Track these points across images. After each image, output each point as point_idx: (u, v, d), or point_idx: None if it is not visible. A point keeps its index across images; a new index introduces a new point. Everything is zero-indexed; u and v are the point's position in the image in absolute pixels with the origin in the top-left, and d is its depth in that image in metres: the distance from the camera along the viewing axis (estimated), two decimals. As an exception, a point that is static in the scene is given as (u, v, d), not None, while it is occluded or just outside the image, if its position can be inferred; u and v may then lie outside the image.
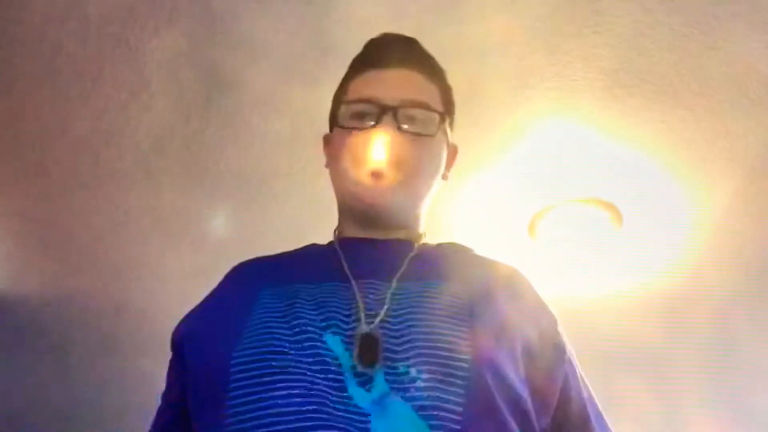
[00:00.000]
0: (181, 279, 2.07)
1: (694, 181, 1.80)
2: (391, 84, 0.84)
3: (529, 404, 0.69)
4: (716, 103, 1.62)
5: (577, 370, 0.79)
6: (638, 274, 2.10)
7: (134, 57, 1.53)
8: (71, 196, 1.85)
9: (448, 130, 0.89)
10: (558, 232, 1.93)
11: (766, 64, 1.53)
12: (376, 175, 0.79)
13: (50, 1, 1.42)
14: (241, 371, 0.67)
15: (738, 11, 1.44)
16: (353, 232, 0.85)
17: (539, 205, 1.89)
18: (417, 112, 0.83)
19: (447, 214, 1.89)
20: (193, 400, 0.72)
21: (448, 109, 0.90)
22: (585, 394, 0.78)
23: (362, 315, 0.70)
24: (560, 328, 0.80)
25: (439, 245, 0.88)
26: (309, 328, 0.69)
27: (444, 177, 0.89)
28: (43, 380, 2.50)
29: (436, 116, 0.84)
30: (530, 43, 1.53)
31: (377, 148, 0.79)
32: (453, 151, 0.92)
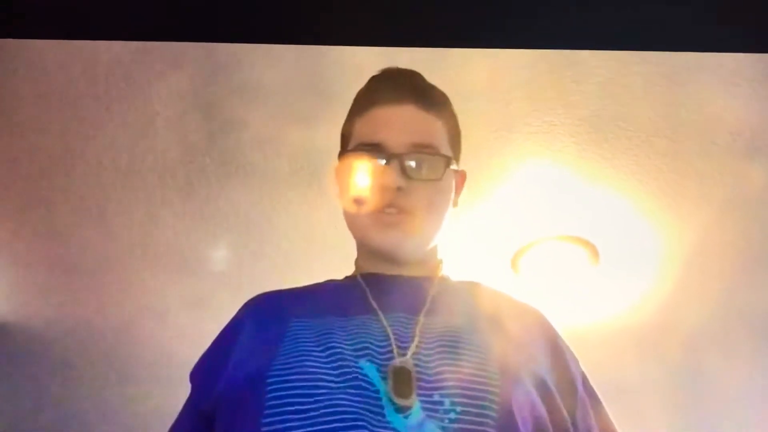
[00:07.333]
0: (182, 309, 2.00)
1: (666, 220, 1.79)
2: (397, 126, 0.79)
3: None
4: (686, 148, 1.61)
5: (594, 408, 0.77)
6: (613, 307, 2.07)
7: (141, 97, 1.49)
8: (77, 230, 1.79)
9: (455, 165, 0.84)
10: (539, 267, 1.90)
11: (732, 113, 1.53)
12: (390, 224, 0.76)
13: (62, 43, 1.38)
14: (277, 390, 0.63)
15: (706, 65, 1.44)
16: (374, 267, 0.81)
17: (522, 242, 1.87)
18: (424, 157, 0.78)
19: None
20: (225, 424, 0.68)
21: (454, 143, 0.85)
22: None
23: (395, 346, 0.67)
24: (577, 367, 0.78)
25: (460, 282, 0.85)
26: (344, 355, 0.66)
27: (454, 204, 0.85)
28: (43, 406, 2.38)
29: (442, 160, 0.79)
30: (513, 90, 1.51)
31: (387, 199, 0.75)
32: (461, 178, 0.87)
